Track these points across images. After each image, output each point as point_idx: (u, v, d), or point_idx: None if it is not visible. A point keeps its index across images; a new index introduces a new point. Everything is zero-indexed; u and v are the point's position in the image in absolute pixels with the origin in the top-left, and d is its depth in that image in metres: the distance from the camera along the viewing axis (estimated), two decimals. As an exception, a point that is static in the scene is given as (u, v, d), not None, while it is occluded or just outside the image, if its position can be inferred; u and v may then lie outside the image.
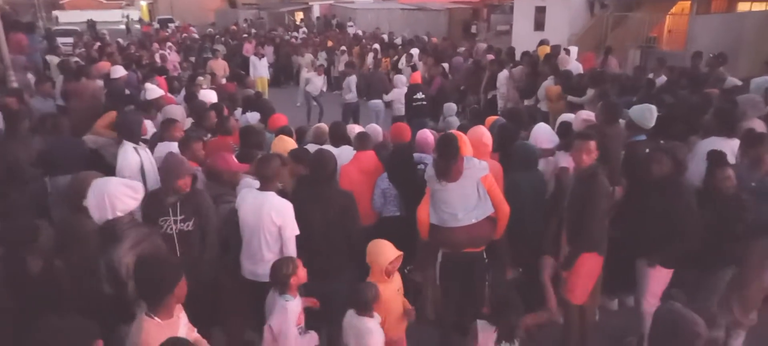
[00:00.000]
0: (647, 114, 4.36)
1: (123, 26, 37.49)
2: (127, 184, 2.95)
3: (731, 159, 4.05)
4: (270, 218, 3.32)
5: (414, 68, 11.75)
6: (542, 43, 10.74)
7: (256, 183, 3.56)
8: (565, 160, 4.29)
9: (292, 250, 3.41)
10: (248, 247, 3.48)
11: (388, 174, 4.13)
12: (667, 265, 3.78)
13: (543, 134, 4.59)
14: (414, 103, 8.36)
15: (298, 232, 3.41)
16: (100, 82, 7.49)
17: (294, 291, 3.01)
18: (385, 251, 3.20)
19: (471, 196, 3.46)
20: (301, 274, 3.01)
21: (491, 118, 5.43)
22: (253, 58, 13.09)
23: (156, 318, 2.31)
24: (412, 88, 8.56)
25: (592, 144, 3.54)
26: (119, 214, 2.83)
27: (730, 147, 4.17)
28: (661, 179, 3.72)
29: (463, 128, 4.80)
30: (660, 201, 3.69)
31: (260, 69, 12.85)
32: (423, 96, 8.46)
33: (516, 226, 3.75)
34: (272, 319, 2.94)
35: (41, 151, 4.91)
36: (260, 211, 3.34)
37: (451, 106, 7.59)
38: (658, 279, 3.81)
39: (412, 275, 3.86)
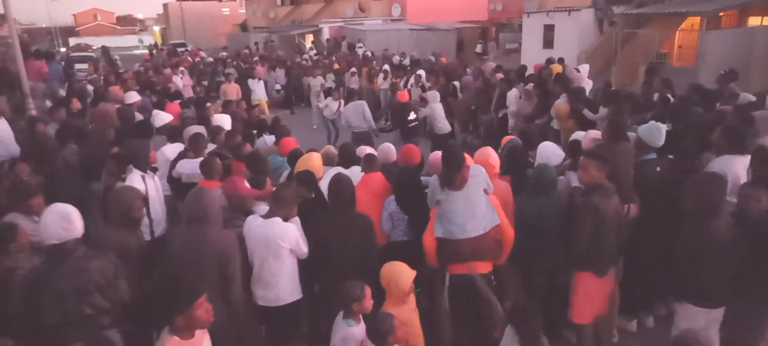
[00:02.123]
0: (656, 132, 4.32)
1: (143, 50, 38.14)
2: (66, 217, 2.83)
3: (744, 176, 3.97)
4: (277, 244, 3.38)
5: (423, 89, 11.79)
6: (549, 60, 10.76)
7: (266, 208, 3.61)
8: (577, 180, 4.26)
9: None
10: (260, 274, 3.50)
11: (396, 197, 4.12)
12: (697, 303, 3.34)
13: (548, 152, 4.59)
14: (409, 125, 8.37)
15: (306, 249, 3.47)
16: (115, 107, 7.62)
17: (358, 318, 3.03)
18: (403, 273, 3.19)
19: (478, 203, 3.46)
20: (367, 304, 3.03)
21: (507, 138, 5.41)
22: (249, 81, 13.07)
23: (175, 337, 2.41)
24: (405, 107, 8.52)
25: (591, 163, 3.59)
26: (55, 241, 2.79)
27: (744, 164, 4.09)
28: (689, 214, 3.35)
29: (475, 148, 4.79)
30: (685, 233, 3.35)
31: (258, 92, 12.89)
32: (416, 116, 8.50)
33: (538, 250, 3.72)
34: (335, 338, 3.00)
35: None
36: (267, 238, 3.39)
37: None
38: (684, 316, 3.42)
39: (420, 297, 3.81)
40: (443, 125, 8.78)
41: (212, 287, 2.90)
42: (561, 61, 11.03)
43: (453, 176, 3.47)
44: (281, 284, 3.50)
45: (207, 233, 3.16)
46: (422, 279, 3.76)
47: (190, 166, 4.86)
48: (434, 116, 8.74)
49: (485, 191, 3.58)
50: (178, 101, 8.63)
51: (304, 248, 3.48)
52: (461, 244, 3.43)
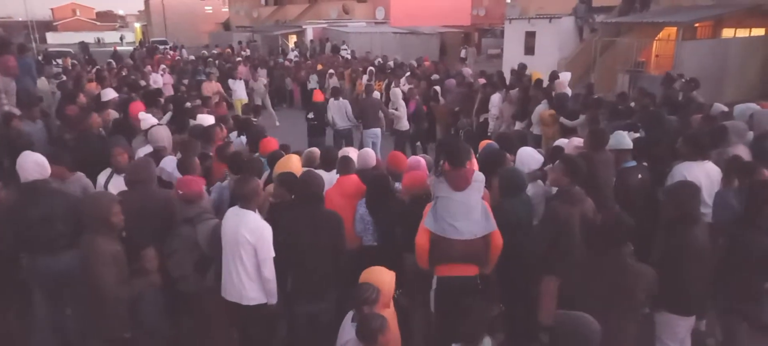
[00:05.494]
0: (620, 138, 4.52)
1: (126, 48, 37.36)
2: (41, 164, 3.74)
3: (706, 182, 4.08)
4: (245, 238, 3.34)
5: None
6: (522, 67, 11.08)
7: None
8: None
9: (268, 273, 3.39)
10: (226, 267, 3.49)
11: (366, 200, 4.11)
12: (678, 311, 3.38)
13: (528, 157, 4.65)
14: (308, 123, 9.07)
15: (273, 254, 3.39)
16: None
17: None
18: (386, 279, 3.11)
19: (475, 208, 3.45)
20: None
21: (485, 142, 5.47)
22: (229, 81, 13.14)
23: None
24: (317, 107, 9.19)
25: (557, 167, 3.74)
26: (30, 179, 3.69)
27: (704, 170, 4.21)
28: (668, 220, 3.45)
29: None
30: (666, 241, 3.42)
31: (239, 91, 12.89)
32: (313, 116, 9.13)
33: (508, 251, 3.71)
34: (341, 340, 2.97)
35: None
36: (236, 230, 3.37)
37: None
38: (665, 326, 3.46)
39: (400, 299, 3.80)
40: (404, 123, 9.47)
41: (155, 237, 3.59)
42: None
43: (459, 173, 3.45)
44: (243, 281, 3.44)
45: (149, 191, 3.87)
46: (401, 281, 3.79)
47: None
48: (398, 114, 9.39)
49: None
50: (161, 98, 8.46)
51: (270, 251, 3.38)
52: (454, 244, 3.42)
